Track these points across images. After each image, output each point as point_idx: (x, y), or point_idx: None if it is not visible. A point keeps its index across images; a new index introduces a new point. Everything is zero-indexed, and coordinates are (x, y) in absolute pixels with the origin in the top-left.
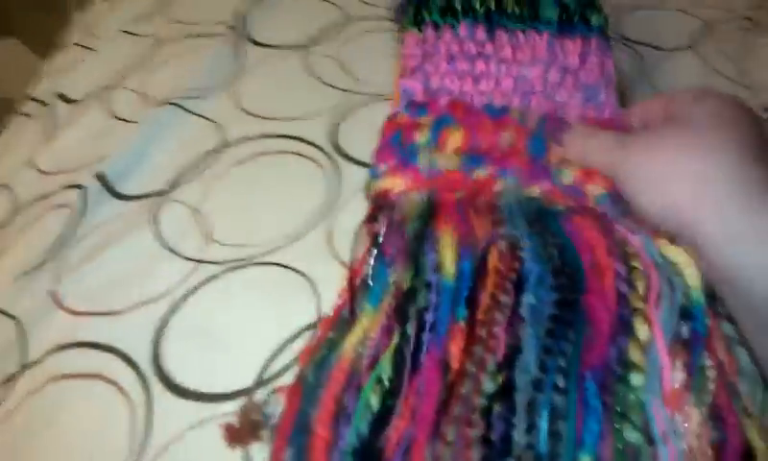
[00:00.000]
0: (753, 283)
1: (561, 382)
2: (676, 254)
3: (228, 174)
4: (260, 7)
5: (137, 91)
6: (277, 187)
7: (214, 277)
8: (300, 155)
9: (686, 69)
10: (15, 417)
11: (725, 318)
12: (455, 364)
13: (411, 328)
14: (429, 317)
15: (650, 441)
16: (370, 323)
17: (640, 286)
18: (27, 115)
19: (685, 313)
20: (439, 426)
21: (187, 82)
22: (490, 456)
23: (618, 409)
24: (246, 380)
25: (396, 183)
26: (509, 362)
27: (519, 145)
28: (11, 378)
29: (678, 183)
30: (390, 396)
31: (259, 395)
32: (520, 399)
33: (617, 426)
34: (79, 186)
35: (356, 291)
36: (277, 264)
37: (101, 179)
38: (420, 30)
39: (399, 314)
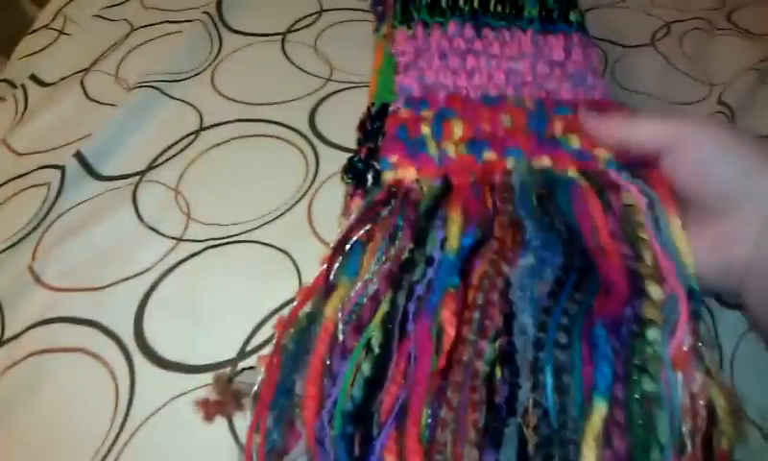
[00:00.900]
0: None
1: (563, 339)
2: (679, 239)
3: (206, 156)
4: None
5: (112, 74)
6: (256, 169)
7: (195, 254)
8: (278, 138)
9: (648, 65)
10: None
11: None
12: (450, 330)
13: (402, 296)
14: (420, 288)
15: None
16: (345, 291)
17: (647, 256)
18: None
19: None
20: (433, 391)
21: (163, 66)
22: (496, 418)
23: (636, 362)
24: (229, 352)
25: (409, 172)
26: (506, 326)
27: (519, 124)
28: None
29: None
30: (380, 360)
31: (241, 365)
32: (521, 360)
33: (635, 378)
34: (57, 166)
35: (334, 263)
36: (257, 242)
37: (80, 159)
38: (409, 27)
39: (393, 282)
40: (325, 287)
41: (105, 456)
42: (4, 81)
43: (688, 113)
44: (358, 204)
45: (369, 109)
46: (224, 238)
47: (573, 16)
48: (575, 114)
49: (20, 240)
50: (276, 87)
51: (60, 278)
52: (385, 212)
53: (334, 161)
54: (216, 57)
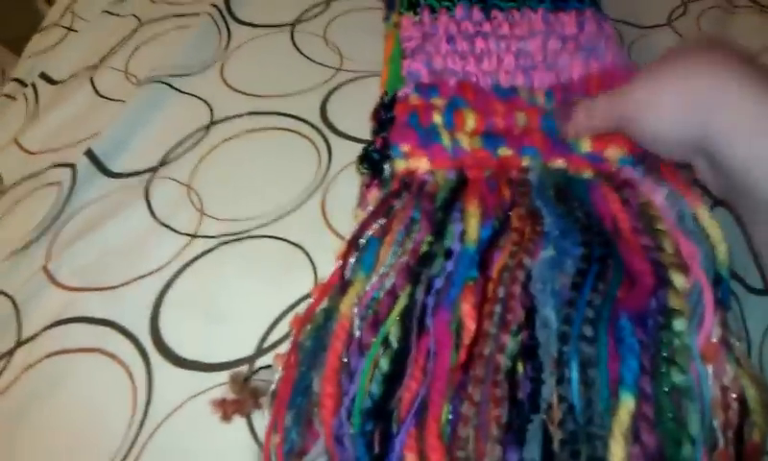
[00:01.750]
0: (758, 176)
1: (588, 332)
2: (711, 226)
3: (217, 150)
4: None
5: (122, 70)
6: (268, 162)
7: (209, 250)
8: (290, 130)
9: (665, 45)
10: (13, 391)
11: None
12: (470, 324)
13: (420, 290)
14: (439, 281)
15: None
16: (362, 287)
17: (668, 245)
18: (8, 96)
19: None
20: (454, 387)
21: (172, 60)
22: (519, 414)
23: (664, 354)
24: (246, 350)
25: (421, 163)
26: (528, 320)
27: (533, 124)
28: (7, 354)
29: (691, 93)
30: (398, 356)
31: (258, 363)
32: (545, 354)
33: (663, 370)
34: (68, 165)
35: (349, 258)
36: (271, 236)
37: (91, 156)
38: (415, 13)
39: (411, 276)
40: (341, 283)
41: (125, 457)
42: (15, 80)
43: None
44: (375, 195)
45: (382, 98)
46: (237, 233)
47: None
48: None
49: (34, 240)
50: (286, 79)
51: (75, 277)
52: (399, 205)
53: (347, 153)
54: (225, 50)
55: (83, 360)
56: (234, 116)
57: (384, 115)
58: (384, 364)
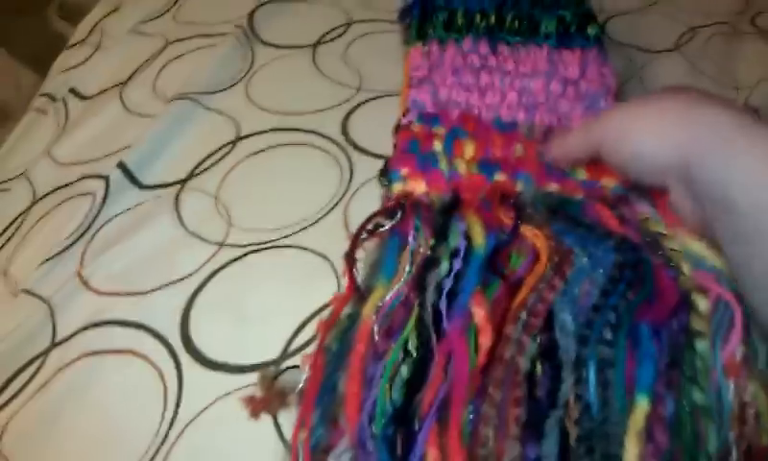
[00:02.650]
0: (736, 194)
1: (608, 335)
2: (701, 249)
3: (244, 164)
4: (267, 9)
5: (150, 87)
6: (292, 176)
7: (237, 259)
8: (313, 146)
9: (674, 69)
10: (47, 391)
11: None
12: (486, 332)
13: (431, 296)
14: (448, 281)
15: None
16: (382, 293)
17: (684, 266)
18: (39, 111)
19: None
20: (474, 389)
21: (200, 78)
22: (537, 412)
23: (687, 373)
24: (272, 353)
25: (418, 185)
26: (547, 323)
27: (530, 154)
28: (41, 355)
29: (665, 117)
30: (417, 364)
31: (284, 365)
32: (565, 355)
33: (686, 389)
34: (101, 176)
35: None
36: (297, 246)
37: (123, 168)
38: (424, 44)
39: (418, 285)
40: (358, 293)
41: (155, 454)
42: (45, 95)
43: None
44: None
45: (404, 114)
46: (264, 243)
47: (591, 30)
48: None
49: (68, 247)
50: (308, 97)
51: (108, 282)
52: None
53: (368, 167)
54: (249, 69)
55: (115, 361)
56: (259, 132)
57: None
58: (404, 370)
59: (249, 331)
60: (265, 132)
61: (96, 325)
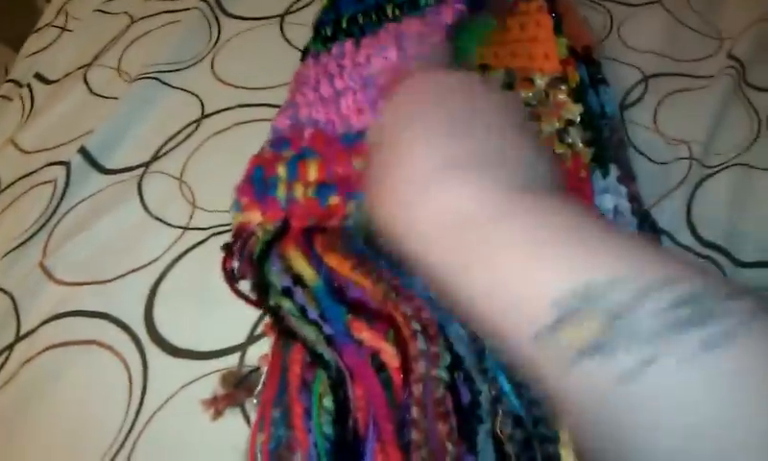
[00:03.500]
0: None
1: None
2: None
3: (208, 143)
4: None
5: (115, 68)
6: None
7: (201, 242)
8: None
9: (655, 22)
10: (13, 385)
11: None
12: (386, 349)
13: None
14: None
15: None
16: None
17: None
18: (4, 98)
19: None
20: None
21: (164, 56)
22: (467, 418)
23: None
24: (238, 338)
25: (254, 216)
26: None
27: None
28: (6, 349)
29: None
30: (336, 394)
31: (249, 351)
32: (473, 369)
33: None
34: (62, 162)
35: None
36: None
37: (84, 154)
38: (302, 61)
39: (285, 331)
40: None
41: (122, 444)
42: (11, 81)
43: None
44: None
45: None
46: (228, 225)
47: None
48: None
49: (30, 237)
50: (275, 71)
51: (71, 272)
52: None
53: None
54: (215, 43)
55: (80, 352)
56: (224, 109)
57: None
58: (328, 404)
59: (214, 316)
60: (230, 108)
61: (60, 316)
